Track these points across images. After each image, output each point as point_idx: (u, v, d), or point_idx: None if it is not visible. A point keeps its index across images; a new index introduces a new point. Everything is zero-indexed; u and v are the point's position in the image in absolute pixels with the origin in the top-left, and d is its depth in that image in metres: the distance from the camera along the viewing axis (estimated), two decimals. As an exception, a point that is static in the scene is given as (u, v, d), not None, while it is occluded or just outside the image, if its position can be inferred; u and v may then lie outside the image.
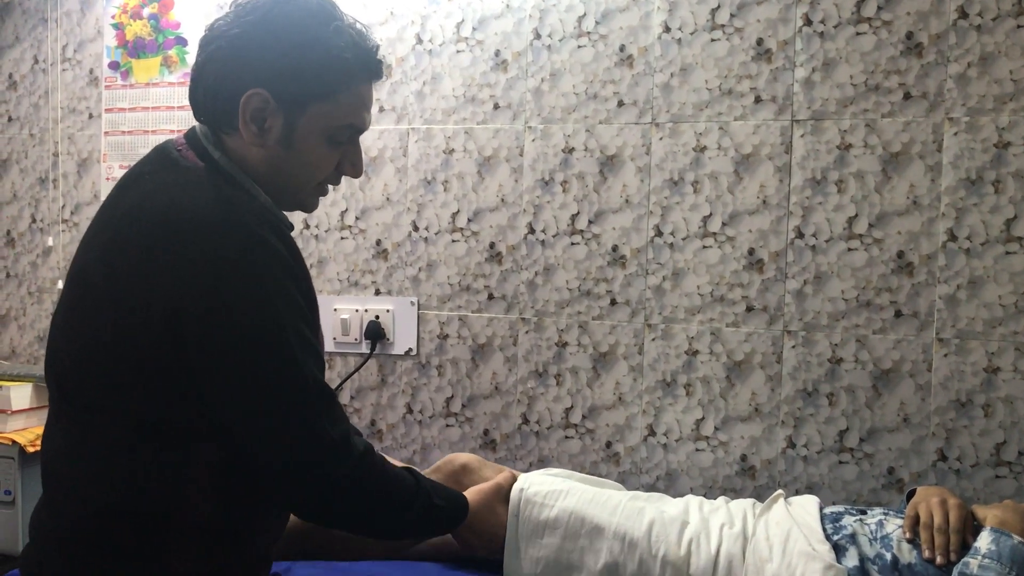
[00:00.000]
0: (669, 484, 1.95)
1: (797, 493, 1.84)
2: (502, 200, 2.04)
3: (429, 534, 1.52)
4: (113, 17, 2.38)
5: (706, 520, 1.58)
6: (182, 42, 2.31)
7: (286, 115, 1.20)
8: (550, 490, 1.61)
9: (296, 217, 2.15)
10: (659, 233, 1.93)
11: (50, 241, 2.46)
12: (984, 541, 1.41)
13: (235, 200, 1.17)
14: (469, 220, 2.07)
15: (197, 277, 1.10)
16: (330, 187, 1.34)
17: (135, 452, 1.14)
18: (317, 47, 1.19)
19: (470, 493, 1.53)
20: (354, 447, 1.22)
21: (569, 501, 1.59)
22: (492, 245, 2.06)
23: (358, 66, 1.23)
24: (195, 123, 1.27)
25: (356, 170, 1.31)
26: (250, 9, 1.19)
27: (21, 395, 2.11)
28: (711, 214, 1.90)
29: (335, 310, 2.15)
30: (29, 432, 2.06)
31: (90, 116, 2.42)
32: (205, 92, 1.22)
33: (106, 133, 2.39)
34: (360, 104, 1.26)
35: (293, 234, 1.27)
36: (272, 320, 1.13)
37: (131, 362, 1.12)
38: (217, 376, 1.13)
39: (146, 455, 1.14)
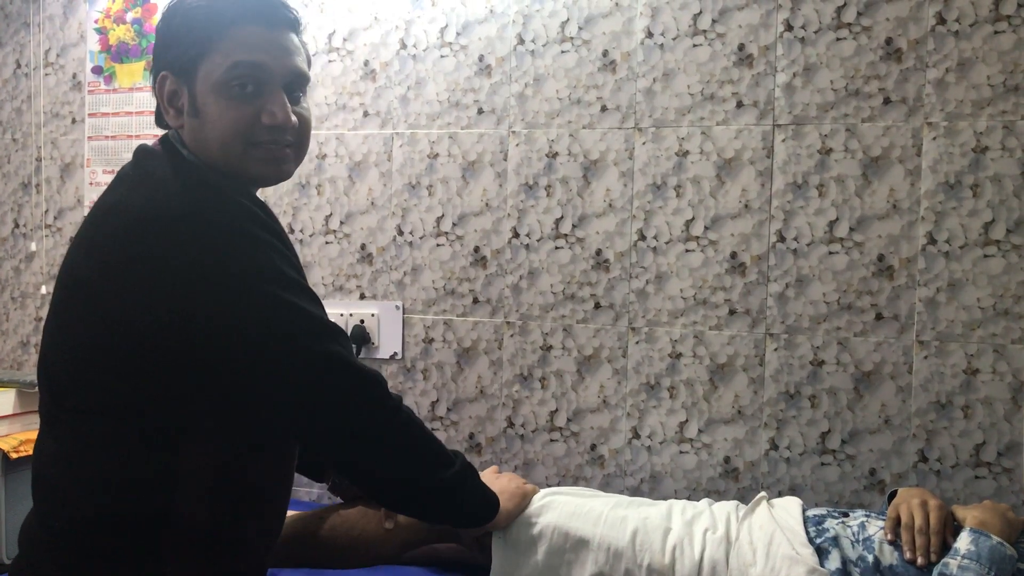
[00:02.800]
0: (653, 486, 1.96)
1: (780, 495, 1.85)
2: (486, 204, 2.05)
3: (463, 513, 1.46)
4: (96, 21, 2.37)
5: (689, 525, 1.58)
6: (166, 47, 2.31)
7: (187, 85, 1.21)
8: (532, 507, 1.60)
9: (280, 221, 2.15)
10: (642, 237, 1.95)
11: (33, 246, 2.45)
12: (964, 542, 1.42)
13: (206, 187, 1.17)
14: (454, 224, 2.08)
15: (184, 272, 1.11)
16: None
17: (129, 455, 1.14)
18: (191, 10, 1.20)
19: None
20: (388, 390, 1.27)
21: (551, 516, 1.58)
22: (477, 249, 2.06)
23: (233, 11, 1.20)
24: None
25: (274, 116, 1.20)
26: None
27: (5, 401, 2.10)
28: (694, 218, 1.91)
29: (320, 314, 2.15)
30: (12, 438, 2.05)
31: (73, 121, 2.41)
32: (156, 99, 1.26)
33: (89, 138, 2.38)
34: (242, 47, 1.18)
35: None
36: (263, 281, 1.14)
37: (126, 361, 1.12)
38: (228, 355, 1.13)
39: (140, 458, 1.14)
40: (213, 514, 1.18)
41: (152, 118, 1.33)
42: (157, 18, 2.27)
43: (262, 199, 1.26)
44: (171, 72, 1.21)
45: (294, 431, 1.26)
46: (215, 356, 1.13)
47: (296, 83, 1.24)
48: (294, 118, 1.23)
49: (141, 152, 1.24)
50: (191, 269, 1.11)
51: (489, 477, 1.57)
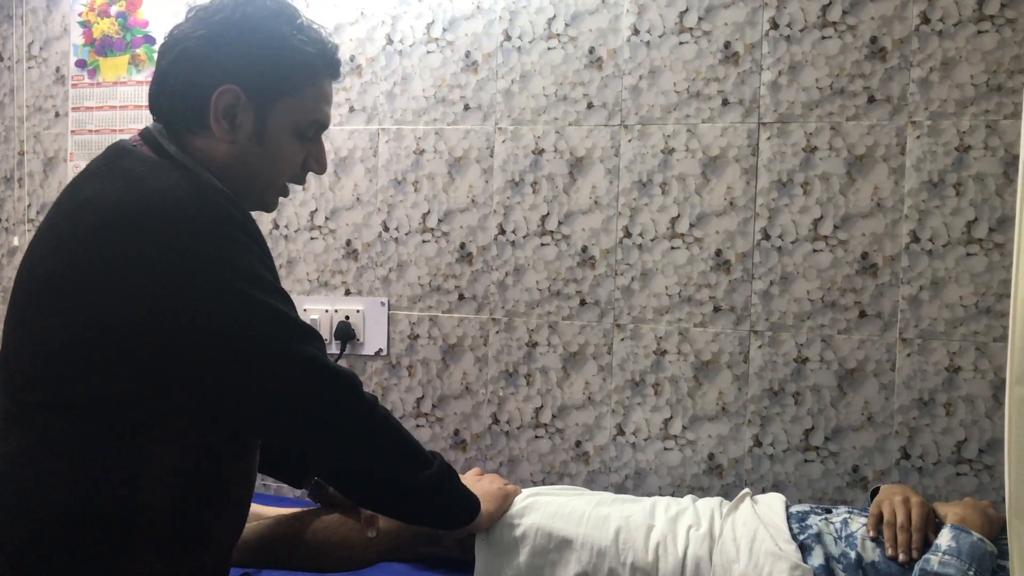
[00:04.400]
0: (638, 483, 1.96)
1: (764, 491, 1.86)
2: (472, 201, 2.05)
3: (443, 514, 1.46)
4: (80, 15, 2.36)
5: (673, 523, 1.59)
6: (150, 40, 2.30)
7: (257, 110, 1.22)
8: (514, 508, 1.60)
9: (265, 218, 2.15)
10: (628, 234, 1.95)
11: (16, 241, 2.43)
12: (945, 538, 1.43)
13: (188, 185, 1.17)
14: (439, 221, 2.08)
15: (159, 268, 1.10)
16: (293, 188, 1.35)
17: (96, 451, 1.13)
18: (283, 43, 1.22)
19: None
20: (363, 391, 1.27)
21: (534, 517, 1.58)
22: (463, 246, 2.06)
23: (321, 62, 1.27)
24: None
25: (321, 166, 1.34)
26: (213, 11, 1.22)
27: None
28: (679, 215, 1.92)
29: (304, 310, 2.15)
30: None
31: (57, 115, 2.39)
32: (172, 93, 1.22)
33: (73, 132, 2.37)
34: (324, 100, 1.29)
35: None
36: (240, 281, 1.14)
37: (96, 356, 1.11)
38: (201, 353, 1.13)
39: (108, 454, 1.13)
40: (179, 510, 1.17)
41: (135, 112, 1.32)
42: (142, 12, 2.27)
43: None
44: (241, 88, 1.20)
45: (268, 432, 1.26)
46: (187, 354, 1.12)
47: None
48: None
49: (118, 148, 1.23)
50: (166, 266, 1.10)
51: (471, 479, 1.58)
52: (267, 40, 1.22)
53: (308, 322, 2.09)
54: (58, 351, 1.13)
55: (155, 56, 1.28)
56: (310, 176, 2.11)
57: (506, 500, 1.59)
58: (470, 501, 1.47)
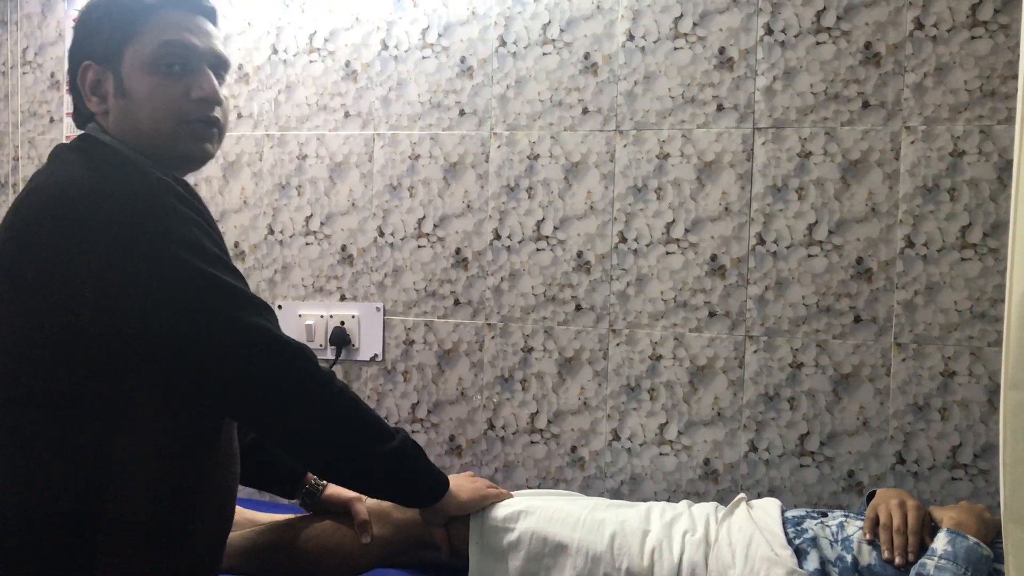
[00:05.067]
0: (633, 488, 1.96)
1: (759, 496, 1.86)
2: (468, 206, 2.05)
3: (407, 488, 1.46)
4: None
5: (668, 528, 1.58)
6: (145, 46, 2.29)
7: (112, 71, 1.25)
8: (509, 512, 1.59)
9: (260, 223, 2.15)
10: (623, 239, 1.95)
11: (9, 246, 2.42)
12: (941, 542, 1.43)
13: (121, 169, 1.18)
14: (435, 226, 2.07)
15: (101, 248, 1.11)
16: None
17: (61, 447, 1.12)
18: (108, 1, 1.27)
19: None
20: (317, 363, 1.26)
21: (529, 521, 1.58)
22: (458, 251, 2.06)
23: None
24: None
25: (203, 89, 1.26)
26: None
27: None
28: (674, 221, 1.92)
29: (300, 316, 2.14)
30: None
31: (51, 120, 2.39)
32: (74, 98, 1.30)
33: (67, 137, 2.36)
34: (171, 28, 1.26)
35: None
36: (184, 253, 1.14)
37: (55, 346, 1.12)
38: (151, 327, 1.13)
39: (72, 448, 1.13)
40: (151, 508, 1.16)
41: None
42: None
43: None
44: (93, 60, 1.25)
45: (223, 406, 1.24)
46: (138, 334, 1.13)
47: (219, 66, 1.31)
48: (223, 93, 1.30)
49: (57, 148, 1.27)
50: (108, 245, 1.11)
51: (461, 479, 1.59)
52: (95, 7, 1.27)
53: (307, 322, 2.12)
54: (16, 345, 1.14)
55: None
56: (305, 182, 2.13)
57: (484, 499, 1.59)
58: (436, 479, 1.48)
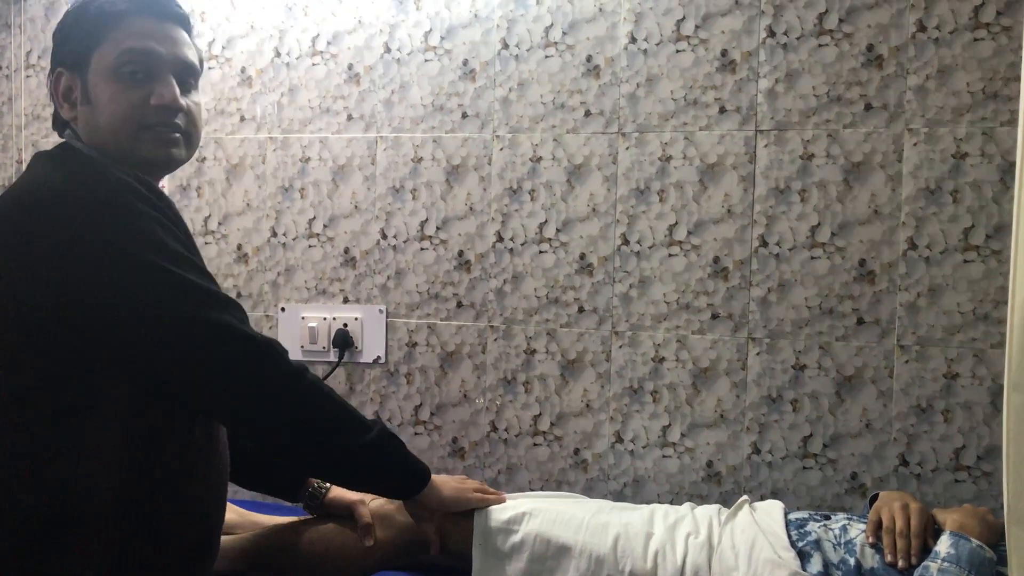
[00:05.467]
0: (636, 490, 1.96)
1: (762, 498, 1.86)
2: (470, 208, 2.05)
3: (385, 480, 1.46)
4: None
5: (671, 530, 1.58)
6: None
7: (80, 77, 1.27)
8: (512, 515, 1.60)
9: (263, 225, 2.16)
10: (626, 241, 1.95)
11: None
12: (944, 545, 1.43)
13: (84, 170, 1.20)
14: (438, 228, 2.08)
15: (62, 246, 1.12)
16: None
17: (34, 442, 1.13)
18: (84, 7, 1.28)
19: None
20: (287, 358, 1.24)
21: (533, 524, 1.58)
22: (461, 253, 2.06)
23: (124, 4, 1.28)
24: None
25: (162, 97, 1.26)
26: None
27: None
28: (677, 223, 1.92)
29: (303, 318, 2.15)
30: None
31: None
32: (52, 99, 1.32)
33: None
34: (134, 36, 1.27)
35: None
36: (145, 251, 1.15)
37: (23, 341, 1.14)
38: (113, 326, 1.14)
39: (47, 445, 1.13)
40: (123, 504, 1.17)
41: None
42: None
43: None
44: (65, 67, 1.27)
45: (196, 406, 1.24)
46: (101, 330, 1.13)
47: (186, 73, 1.31)
48: (183, 101, 1.29)
49: (34, 155, 1.28)
50: (69, 244, 1.12)
51: (447, 478, 1.59)
52: (71, 12, 1.29)
53: (310, 324, 2.12)
54: None
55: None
56: (308, 184, 2.13)
57: (467, 500, 1.58)
58: (415, 472, 1.47)
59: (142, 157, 1.27)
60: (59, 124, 1.33)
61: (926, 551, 1.46)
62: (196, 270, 1.20)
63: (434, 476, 1.52)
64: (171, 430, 1.22)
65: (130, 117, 1.25)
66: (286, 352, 1.27)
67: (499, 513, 1.61)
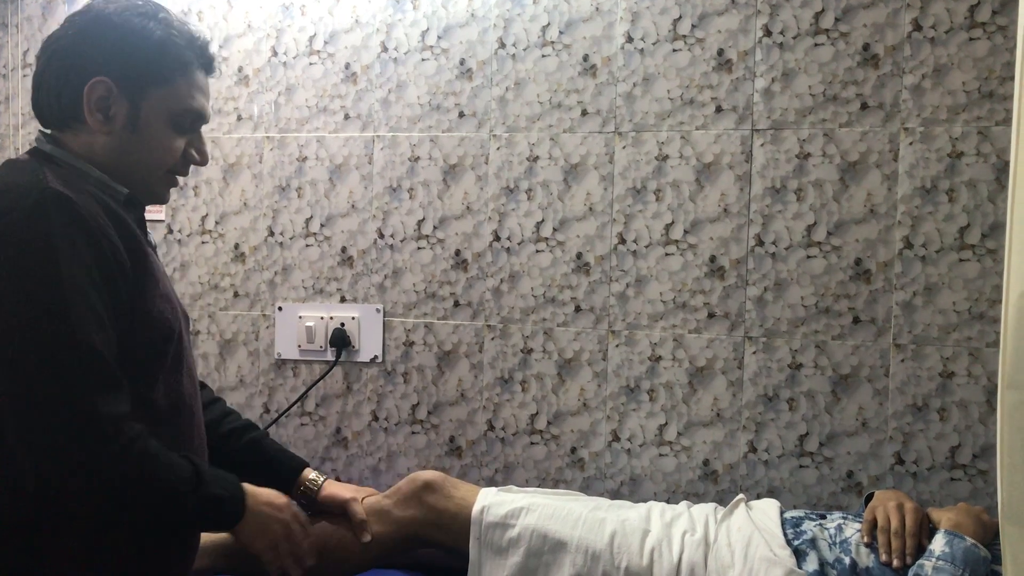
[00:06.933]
0: (633, 489, 1.96)
1: (758, 497, 1.86)
2: (467, 208, 2.05)
3: (209, 528, 1.43)
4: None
5: (668, 528, 1.59)
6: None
7: (129, 100, 1.27)
8: (510, 509, 1.60)
9: (260, 225, 2.16)
10: (622, 241, 1.95)
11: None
12: (938, 543, 1.44)
13: (40, 171, 1.18)
14: (435, 227, 2.08)
15: None
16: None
17: None
18: (150, 35, 1.28)
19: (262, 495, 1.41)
20: (125, 429, 1.16)
21: (530, 518, 1.59)
22: (458, 252, 2.06)
23: (192, 54, 1.32)
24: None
25: (202, 157, 1.37)
26: (81, 13, 1.30)
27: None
28: (673, 222, 1.92)
29: (300, 317, 2.15)
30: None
31: (52, 122, 2.39)
32: (48, 92, 1.28)
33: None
34: (198, 90, 1.33)
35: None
36: (48, 275, 1.12)
37: None
38: None
39: (2, 445, 1.14)
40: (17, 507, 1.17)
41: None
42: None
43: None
44: (112, 80, 1.25)
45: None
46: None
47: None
48: None
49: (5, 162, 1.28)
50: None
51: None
52: (133, 33, 1.27)
53: (307, 324, 2.12)
54: None
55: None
56: (305, 184, 2.13)
57: (277, 555, 1.42)
58: (234, 502, 1.34)
59: (151, 191, 1.34)
60: (54, 119, 1.28)
61: (921, 550, 1.47)
62: (95, 318, 1.14)
63: (273, 510, 1.40)
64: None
65: (163, 162, 1.32)
66: (141, 434, 1.18)
67: (496, 508, 1.61)
